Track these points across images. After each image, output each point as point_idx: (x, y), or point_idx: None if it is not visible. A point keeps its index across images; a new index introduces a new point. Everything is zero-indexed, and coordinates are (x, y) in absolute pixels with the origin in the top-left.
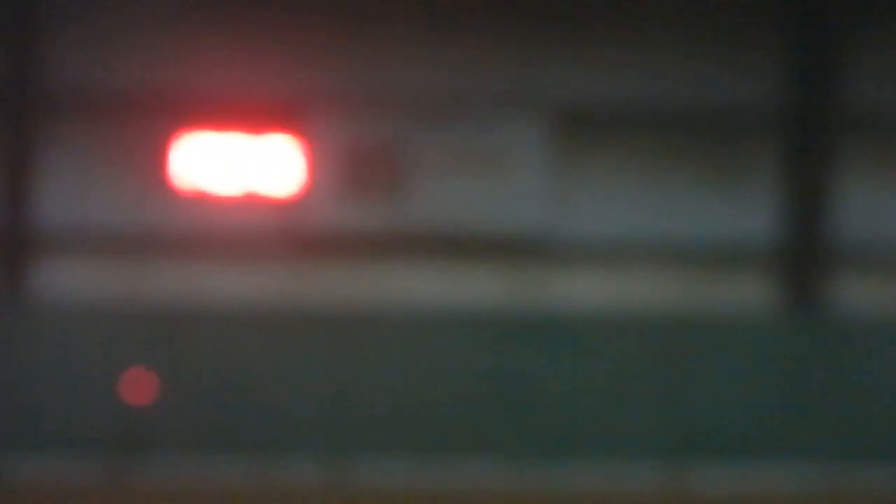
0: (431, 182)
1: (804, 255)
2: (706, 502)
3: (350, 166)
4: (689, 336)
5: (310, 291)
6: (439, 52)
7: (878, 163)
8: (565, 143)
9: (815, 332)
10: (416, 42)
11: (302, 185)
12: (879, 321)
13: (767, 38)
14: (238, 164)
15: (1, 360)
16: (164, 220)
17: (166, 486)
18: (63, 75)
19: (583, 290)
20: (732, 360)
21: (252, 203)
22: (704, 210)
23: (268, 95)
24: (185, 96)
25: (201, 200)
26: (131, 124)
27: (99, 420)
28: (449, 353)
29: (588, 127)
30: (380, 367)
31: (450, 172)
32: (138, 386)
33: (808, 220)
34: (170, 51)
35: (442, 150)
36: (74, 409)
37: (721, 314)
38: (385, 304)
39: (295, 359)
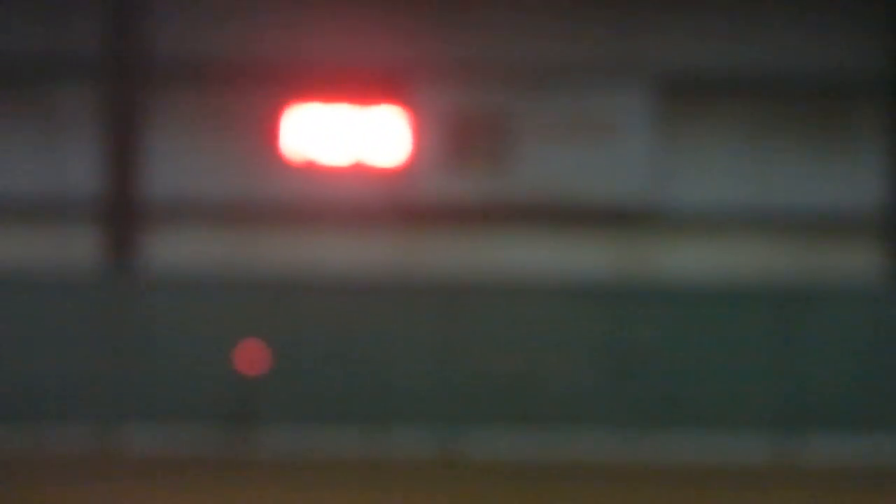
0: (537, 152)
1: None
2: (816, 473)
3: (457, 136)
4: (794, 304)
5: (418, 261)
6: (544, 22)
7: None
8: (670, 112)
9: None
10: (520, 11)
11: (409, 156)
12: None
13: None
14: (346, 135)
15: (113, 332)
16: (274, 190)
17: (278, 457)
18: (174, 47)
19: (688, 259)
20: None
21: (360, 173)
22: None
23: (376, 66)
24: (294, 68)
25: (310, 171)
26: (241, 96)
27: (211, 390)
28: (557, 323)
29: (692, 95)
30: (488, 336)
31: (555, 142)
32: (249, 356)
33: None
34: (279, 23)
35: (548, 119)
36: (186, 380)
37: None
38: (492, 273)
39: (404, 328)
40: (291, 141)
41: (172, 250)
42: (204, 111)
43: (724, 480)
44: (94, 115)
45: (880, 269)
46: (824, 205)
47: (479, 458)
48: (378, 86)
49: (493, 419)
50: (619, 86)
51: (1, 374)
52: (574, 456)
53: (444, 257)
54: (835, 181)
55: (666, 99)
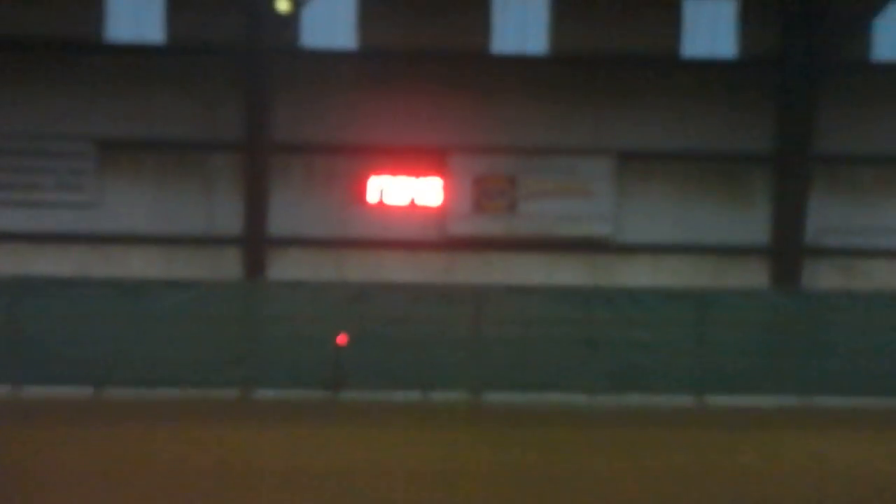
0: (535, 203)
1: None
2: (721, 419)
3: (478, 193)
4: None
5: (450, 275)
6: (539, 115)
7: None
8: (625, 176)
9: None
10: (522, 107)
11: (446, 205)
12: None
13: None
14: (405, 191)
15: (250, 323)
16: (358, 228)
17: (357, 407)
18: (291, 132)
19: (637, 274)
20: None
21: (414, 216)
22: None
23: (424, 147)
24: (372, 147)
25: (382, 215)
26: (336, 166)
27: (314, 361)
28: (547, 316)
29: (638, 164)
30: (501, 325)
31: (547, 196)
32: (339, 338)
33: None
34: (358, 117)
35: (542, 181)
36: (298, 355)
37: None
38: (504, 282)
39: (443, 320)
40: (371, 196)
41: (289, 269)
42: (311, 176)
43: (659, 422)
44: (236, 177)
45: (763, 282)
46: (726, 239)
47: (495, 409)
48: (428, 157)
49: (506, 383)
50: (591, 159)
51: (176, 350)
52: (558, 407)
53: (469, 272)
54: (734, 224)
55: (622, 167)
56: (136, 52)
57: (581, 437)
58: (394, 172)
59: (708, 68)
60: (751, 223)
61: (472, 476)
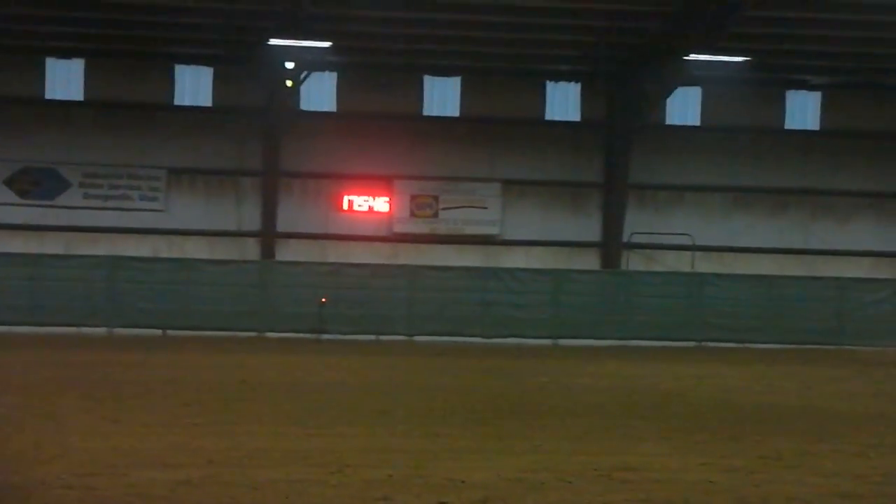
0: (450, 212)
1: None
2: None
3: (413, 205)
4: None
5: (394, 259)
6: (453, 155)
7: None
8: (508, 196)
9: None
10: (442, 150)
11: (392, 212)
12: None
13: None
14: (366, 203)
15: (264, 289)
16: (335, 227)
17: (339, 344)
18: (292, 163)
19: (517, 261)
20: None
21: (371, 219)
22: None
23: (378, 175)
24: (344, 175)
25: (351, 218)
26: (321, 186)
27: (305, 314)
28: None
29: (515, 189)
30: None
31: (458, 208)
32: (322, 299)
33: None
34: (336, 154)
35: (455, 198)
36: (294, 310)
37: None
38: (426, 263)
39: (387, 287)
40: (343, 206)
41: (290, 254)
42: (305, 192)
43: (526, 356)
44: (257, 193)
45: (596, 265)
46: (573, 237)
47: (421, 346)
48: (380, 182)
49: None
50: (486, 184)
51: (214, 305)
52: (462, 344)
53: (408, 257)
54: (578, 227)
55: (506, 189)
56: (192, 111)
57: (472, 364)
58: (358, 191)
59: (562, 126)
60: (589, 227)
61: (406, 387)
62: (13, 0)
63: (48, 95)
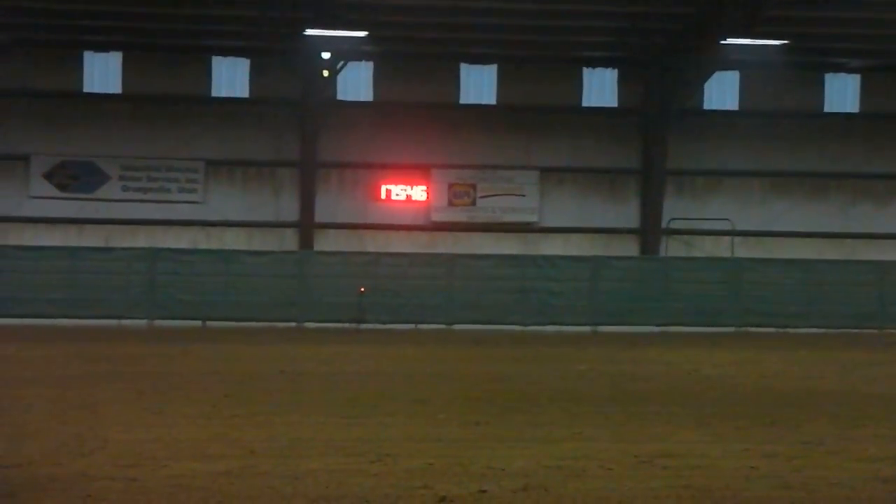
0: (487, 200)
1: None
2: (607, 339)
3: (451, 194)
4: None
5: (432, 247)
6: (490, 143)
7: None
8: (545, 183)
9: None
10: (479, 138)
11: (429, 201)
12: None
13: None
14: (404, 192)
15: (304, 280)
16: (373, 217)
17: (378, 333)
18: (329, 154)
19: (555, 248)
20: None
21: (409, 208)
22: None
23: (416, 164)
24: (381, 165)
25: (388, 208)
26: (359, 176)
27: (344, 304)
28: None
29: (554, 177)
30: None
31: (495, 196)
32: (361, 289)
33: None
34: (373, 144)
35: (492, 186)
36: (333, 299)
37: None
38: (465, 251)
39: (426, 276)
40: (381, 195)
41: (328, 243)
42: (342, 182)
43: (566, 343)
44: (294, 184)
45: (635, 252)
46: (611, 224)
47: (461, 334)
48: (418, 171)
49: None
50: (523, 172)
51: (254, 296)
52: (501, 333)
53: (446, 245)
54: (617, 214)
55: (543, 177)
56: (229, 103)
57: (511, 352)
58: (396, 181)
59: (599, 112)
60: (627, 214)
61: (444, 375)
62: None
63: (86, 89)
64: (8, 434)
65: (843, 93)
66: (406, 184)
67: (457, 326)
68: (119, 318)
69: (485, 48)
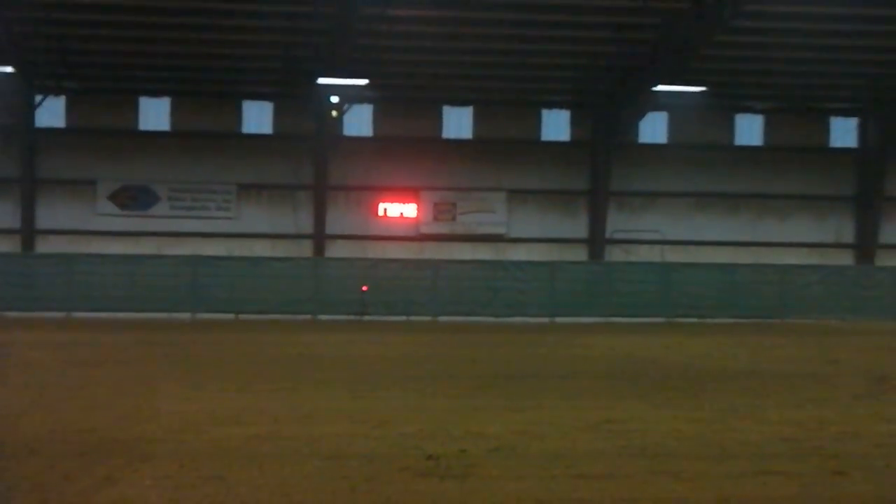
0: (465, 216)
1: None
2: (567, 329)
3: (435, 211)
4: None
5: (421, 254)
6: (468, 169)
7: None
8: (512, 202)
9: None
10: (458, 166)
11: (418, 217)
12: None
13: None
14: (397, 210)
15: (319, 281)
16: (372, 229)
17: (379, 323)
18: (338, 178)
19: (519, 255)
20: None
21: (402, 223)
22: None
23: (407, 187)
24: (379, 187)
25: (385, 222)
26: (362, 197)
27: (350, 300)
28: (473, 275)
29: (520, 197)
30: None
31: (471, 212)
32: (363, 287)
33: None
34: (373, 171)
35: (469, 204)
36: (341, 296)
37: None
38: (447, 258)
39: (416, 277)
40: (379, 212)
41: (337, 251)
42: (348, 202)
43: (529, 331)
44: (310, 204)
45: (584, 257)
46: (564, 235)
47: (443, 325)
48: (409, 192)
49: (450, 310)
50: (494, 193)
51: (277, 293)
52: (473, 324)
53: (432, 253)
54: (569, 226)
55: (510, 197)
56: (256, 138)
57: (485, 339)
58: (391, 200)
59: (555, 145)
60: (578, 227)
61: (432, 358)
62: (112, 51)
63: (141, 127)
64: (81, 405)
65: (750, 129)
66: (399, 203)
67: (441, 318)
68: (168, 311)
69: (463, 93)
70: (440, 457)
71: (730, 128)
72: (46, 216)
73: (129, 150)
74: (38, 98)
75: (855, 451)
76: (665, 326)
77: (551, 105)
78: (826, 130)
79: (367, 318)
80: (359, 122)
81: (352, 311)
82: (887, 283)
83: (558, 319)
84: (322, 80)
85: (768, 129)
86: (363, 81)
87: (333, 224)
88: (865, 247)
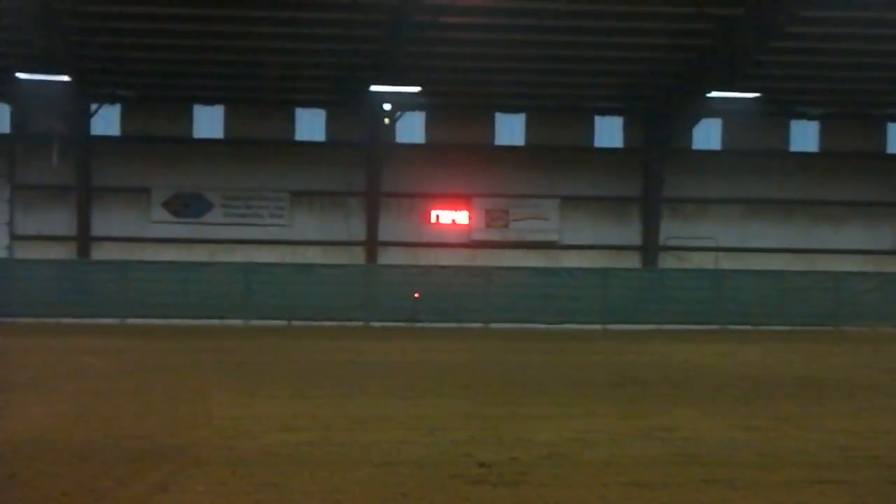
0: (518, 223)
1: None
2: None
3: (488, 218)
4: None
5: (473, 261)
6: (520, 176)
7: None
8: (565, 209)
9: None
10: (510, 173)
11: (470, 224)
12: None
13: None
14: (450, 217)
15: (366, 287)
16: (425, 236)
17: (431, 329)
18: (390, 186)
19: (571, 262)
20: None
21: (454, 230)
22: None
23: (459, 194)
24: (432, 195)
25: (438, 229)
26: (414, 204)
27: (402, 307)
28: (526, 281)
29: (572, 205)
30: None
31: (524, 219)
32: (417, 294)
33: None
34: (425, 178)
35: (521, 211)
36: (393, 302)
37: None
38: (499, 265)
39: (468, 283)
40: (432, 219)
41: (389, 258)
42: (400, 209)
43: (584, 338)
44: (362, 211)
45: (637, 265)
46: (618, 242)
47: (496, 331)
48: (461, 199)
49: (503, 317)
50: (547, 200)
51: (330, 299)
52: (526, 331)
53: (485, 259)
54: (622, 233)
55: (563, 204)
56: (309, 145)
57: (537, 346)
58: (443, 207)
59: (608, 152)
60: (631, 234)
61: (483, 365)
62: (166, 59)
63: (195, 135)
64: (136, 411)
65: (804, 135)
66: (451, 210)
67: (493, 325)
68: (221, 318)
69: (515, 100)
70: (492, 464)
71: (784, 134)
72: (101, 223)
73: (182, 157)
74: (93, 107)
75: None
76: (718, 334)
77: (604, 111)
78: (883, 136)
79: (418, 325)
80: (411, 129)
81: (404, 318)
82: None
83: (611, 327)
84: (374, 88)
85: (823, 134)
86: (415, 89)
87: (385, 231)
88: None
